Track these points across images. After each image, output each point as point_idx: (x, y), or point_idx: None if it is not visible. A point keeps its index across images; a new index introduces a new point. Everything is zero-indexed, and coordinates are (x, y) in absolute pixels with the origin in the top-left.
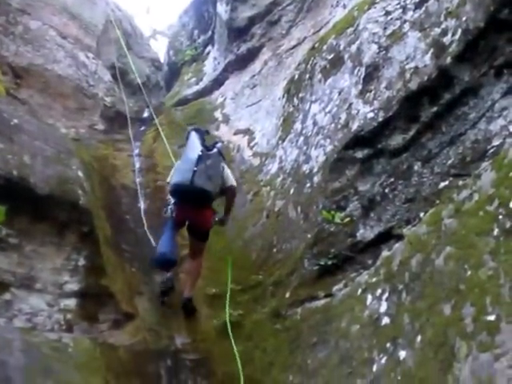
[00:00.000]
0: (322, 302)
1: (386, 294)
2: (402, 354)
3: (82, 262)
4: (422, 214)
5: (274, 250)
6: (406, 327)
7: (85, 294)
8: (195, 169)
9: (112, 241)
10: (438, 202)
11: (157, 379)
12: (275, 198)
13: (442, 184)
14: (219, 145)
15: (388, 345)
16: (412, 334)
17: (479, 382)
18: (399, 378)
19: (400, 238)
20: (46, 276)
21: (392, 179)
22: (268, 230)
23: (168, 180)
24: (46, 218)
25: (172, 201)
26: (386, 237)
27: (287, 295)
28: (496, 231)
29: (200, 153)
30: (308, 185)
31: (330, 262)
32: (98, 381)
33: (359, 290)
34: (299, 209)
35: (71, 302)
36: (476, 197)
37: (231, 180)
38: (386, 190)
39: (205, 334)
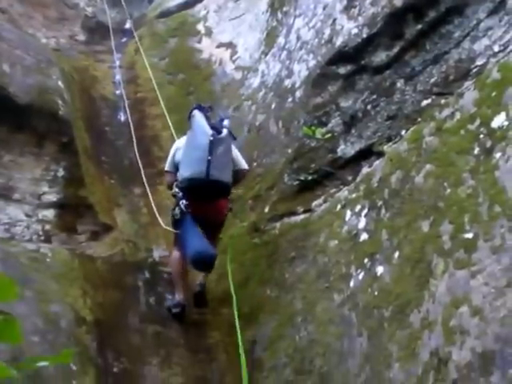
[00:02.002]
0: (301, 217)
1: (365, 210)
2: (380, 269)
3: (60, 172)
4: (403, 132)
5: (255, 164)
6: (384, 243)
7: (63, 204)
8: (209, 158)
9: (91, 152)
10: (419, 119)
11: (134, 291)
12: (256, 113)
13: (425, 102)
14: (227, 123)
15: (365, 260)
16: (390, 250)
17: (455, 298)
18: (376, 293)
19: (380, 154)
20: (24, 186)
21: (374, 96)
22: (248, 145)
23: (167, 168)
24: (26, 127)
25: (181, 195)
26: (367, 153)
27: (266, 210)
28: (476, 150)
29: (211, 138)
30: (290, 100)
31: (309, 178)
32: (75, 291)
33: (338, 206)
34: (280, 124)
35: (50, 213)
36: (458, 115)
37: (243, 163)
38: (368, 107)
39: None
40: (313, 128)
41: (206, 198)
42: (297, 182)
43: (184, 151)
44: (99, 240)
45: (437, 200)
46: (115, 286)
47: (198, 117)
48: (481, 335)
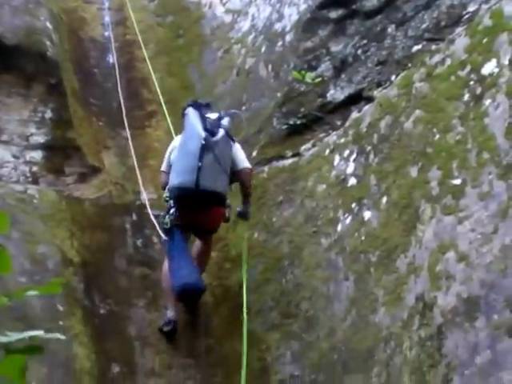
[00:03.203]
0: (290, 161)
1: (354, 155)
2: (367, 214)
3: (48, 114)
4: (393, 77)
5: (243, 108)
6: (372, 188)
7: (51, 146)
8: (200, 165)
9: (79, 94)
10: (410, 65)
11: (121, 233)
12: (246, 56)
13: (415, 48)
14: (226, 122)
15: (353, 205)
16: (378, 195)
17: (442, 243)
18: (363, 238)
19: (370, 100)
20: (12, 127)
21: (365, 41)
22: (238, 88)
23: (162, 168)
24: (14, 69)
25: (171, 204)
26: (356, 98)
27: (254, 154)
28: (466, 96)
29: (203, 142)
30: (280, 43)
31: (298, 122)
32: (63, 233)
33: (327, 151)
34: (270, 67)
35: (37, 155)
36: (448, 61)
37: (244, 161)
38: (359, 52)
39: None
40: (302, 72)
41: (196, 208)
42: (285, 126)
43: (176, 155)
44: (87, 182)
45: (425, 146)
46: (102, 227)
47: (192, 116)
48: (466, 281)
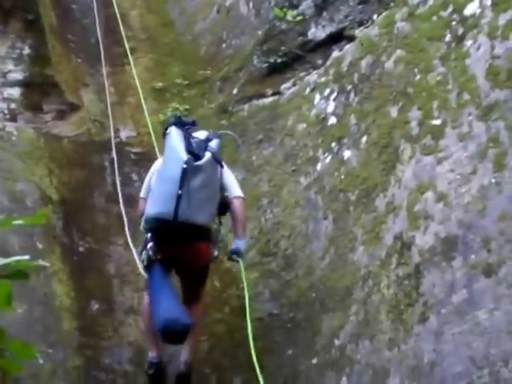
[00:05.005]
0: (270, 99)
1: (334, 94)
2: (347, 153)
3: (26, 50)
4: (375, 16)
5: (224, 45)
6: (352, 128)
7: (29, 83)
8: (180, 193)
9: (57, 30)
10: (391, 4)
11: (100, 171)
12: None
13: None
14: (214, 144)
15: (333, 144)
16: (358, 134)
17: (421, 183)
18: (342, 177)
19: (351, 39)
20: None
21: None
22: (218, 25)
23: (141, 194)
24: None
25: (148, 237)
26: (338, 37)
27: (235, 91)
28: (448, 37)
29: (185, 166)
30: None
31: (279, 60)
32: (41, 170)
33: (307, 89)
34: (251, 5)
35: (15, 92)
36: (430, 1)
37: (235, 190)
38: None
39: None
40: (284, 10)
41: (176, 243)
42: (266, 65)
43: (155, 181)
44: (65, 119)
45: (406, 86)
46: (81, 165)
47: (174, 136)
48: (444, 220)
